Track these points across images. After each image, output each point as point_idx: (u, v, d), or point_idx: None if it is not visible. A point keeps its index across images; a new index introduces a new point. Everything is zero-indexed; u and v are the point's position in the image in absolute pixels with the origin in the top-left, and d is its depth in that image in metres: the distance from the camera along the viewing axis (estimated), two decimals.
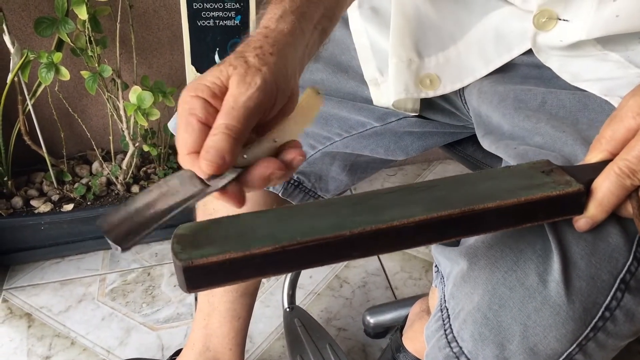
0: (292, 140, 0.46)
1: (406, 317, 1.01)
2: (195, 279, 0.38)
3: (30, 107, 1.29)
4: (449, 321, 0.48)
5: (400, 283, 1.36)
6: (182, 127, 0.43)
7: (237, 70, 0.43)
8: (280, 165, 0.43)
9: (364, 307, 1.23)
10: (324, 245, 0.39)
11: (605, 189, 0.43)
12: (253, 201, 0.82)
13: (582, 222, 0.45)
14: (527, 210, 0.42)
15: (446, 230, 0.41)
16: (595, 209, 0.44)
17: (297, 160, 0.45)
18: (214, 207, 0.85)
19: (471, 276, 0.47)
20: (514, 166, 0.48)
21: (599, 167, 0.44)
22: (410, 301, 1.07)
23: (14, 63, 1.21)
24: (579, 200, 0.43)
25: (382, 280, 1.37)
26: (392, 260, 1.42)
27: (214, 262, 0.37)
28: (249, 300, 0.95)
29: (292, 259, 0.39)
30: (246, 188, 0.43)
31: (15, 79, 1.24)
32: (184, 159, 0.43)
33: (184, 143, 0.42)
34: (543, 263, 0.45)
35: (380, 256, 1.44)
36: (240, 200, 0.43)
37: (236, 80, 0.42)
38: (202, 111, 0.42)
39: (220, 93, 0.43)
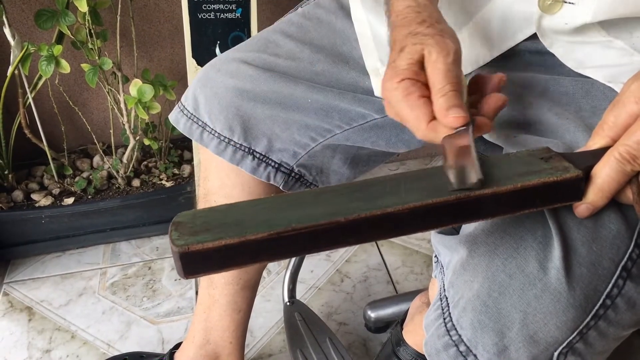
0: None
1: (407, 311, 1.01)
2: (192, 264, 0.39)
3: (30, 100, 1.29)
4: (449, 309, 0.48)
5: (401, 277, 1.36)
6: (408, 108, 0.47)
7: (427, 45, 0.48)
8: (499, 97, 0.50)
9: (365, 302, 1.22)
10: (319, 231, 0.39)
11: (605, 175, 0.42)
12: (255, 195, 0.82)
13: (582, 207, 0.44)
14: (524, 197, 0.42)
15: (442, 216, 0.41)
16: (595, 195, 0.43)
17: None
18: (215, 200, 0.84)
19: (471, 264, 0.46)
20: (513, 154, 0.47)
21: (599, 154, 0.43)
22: (411, 295, 1.07)
23: (15, 56, 1.21)
24: (578, 186, 0.43)
25: (384, 275, 1.36)
26: (393, 255, 1.42)
27: (209, 248, 0.38)
28: (250, 294, 0.94)
29: (286, 245, 0.39)
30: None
31: (16, 72, 1.24)
32: (426, 129, 0.47)
33: (420, 117, 0.47)
34: (543, 250, 0.44)
35: (382, 251, 1.44)
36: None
37: (435, 51, 0.48)
38: (416, 89, 0.48)
39: (419, 69, 0.49)
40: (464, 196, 0.41)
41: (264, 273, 1.34)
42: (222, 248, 0.38)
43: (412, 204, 0.40)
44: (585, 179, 0.43)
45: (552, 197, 0.43)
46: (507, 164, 0.45)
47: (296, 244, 0.39)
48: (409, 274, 1.37)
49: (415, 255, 1.42)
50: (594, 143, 0.45)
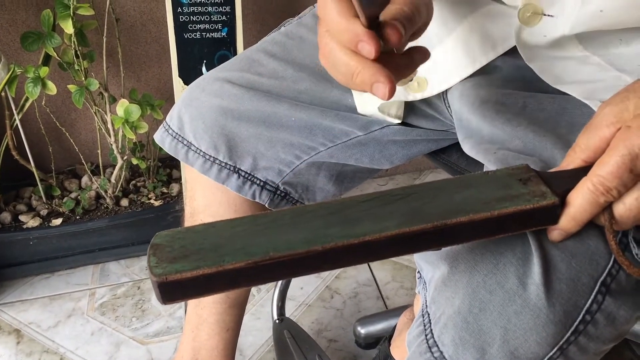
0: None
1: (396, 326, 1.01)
2: (170, 292, 0.39)
3: (17, 122, 1.29)
4: (430, 326, 0.48)
5: (391, 293, 1.36)
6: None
7: None
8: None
9: (355, 318, 1.22)
10: (296, 259, 0.40)
11: (578, 205, 0.43)
12: (241, 213, 0.82)
13: (555, 233, 0.44)
14: (500, 223, 0.42)
15: (419, 243, 0.42)
16: (567, 223, 0.43)
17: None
18: (201, 219, 0.84)
19: (452, 280, 0.47)
20: (492, 172, 0.47)
21: (576, 175, 0.43)
22: (401, 311, 1.06)
23: (1, 78, 1.21)
24: (554, 213, 0.43)
25: (374, 291, 1.36)
26: (383, 270, 1.42)
27: (187, 278, 0.38)
28: (239, 312, 0.94)
29: (264, 273, 0.40)
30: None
31: (2, 94, 1.24)
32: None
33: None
34: (523, 266, 0.45)
35: (372, 266, 1.44)
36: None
37: None
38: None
39: None
40: (441, 224, 0.41)
41: (254, 291, 1.33)
42: (200, 277, 0.38)
43: (389, 233, 0.40)
44: (561, 204, 0.43)
45: (528, 222, 0.43)
46: (485, 184, 0.45)
47: (274, 271, 0.40)
48: (399, 289, 1.37)
49: (405, 270, 1.42)
50: (567, 164, 0.45)
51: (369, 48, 0.40)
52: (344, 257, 0.41)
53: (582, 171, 0.44)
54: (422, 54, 0.47)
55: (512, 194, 0.43)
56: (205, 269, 0.38)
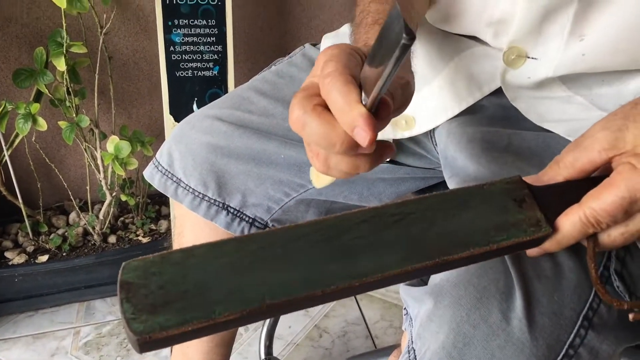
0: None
1: None
2: (151, 346, 0.35)
3: (7, 157, 1.29)
4: None
5: (380, 332, 1.35)
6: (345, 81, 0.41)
7: None
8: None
9: (343, 357, 1.21)
10: (293, 303, 0.37)
11: (566, 232, 0.43)
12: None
13: (535, 251, 0.45)
14: (496, 254, 0.43)
15: (418, 275, 0.41)
16: (551, 246, 0.44)
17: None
18: (187, 241, 0.84)
19: (437, 314, 0.47)
20: (487, 185, 0.46)
21: (567, 195, 0.44)
22: (390, 350, 1.06)
23: None
24: (544, 240, 0.44)
25: (362, 330, 1.35)
26: (372, 309, 1.41)
27: (174, 334, 0.34)
28: (225, 350, 0.93)
29: (256, 318, 0.37)
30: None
31: None
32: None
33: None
34: (506, 300, 0.45)
35: (361, 305, 1.43)
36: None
37: None
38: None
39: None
40: (442, 260, 0.41)
41: (241, 329, 1.32)
42: (189, 332, 0.34)
43: (391, 272, 0.40)
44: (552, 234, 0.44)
45: (521, 249, 0.44)
46: (482, 205, 0.45)
47: (266, 315, 0.37)
48: (388, 328, 1.36)
49: (394, 308, 1.42)
50: (548, 179, 0.45)
51: (364, 135, 0.39)
52: (341, 295, 0.39)
53: (574, 191, 0.43)
54: (388, 152, 0.47)
55: (510, 221, 0.43)
56: (194, 324, 0.34)
